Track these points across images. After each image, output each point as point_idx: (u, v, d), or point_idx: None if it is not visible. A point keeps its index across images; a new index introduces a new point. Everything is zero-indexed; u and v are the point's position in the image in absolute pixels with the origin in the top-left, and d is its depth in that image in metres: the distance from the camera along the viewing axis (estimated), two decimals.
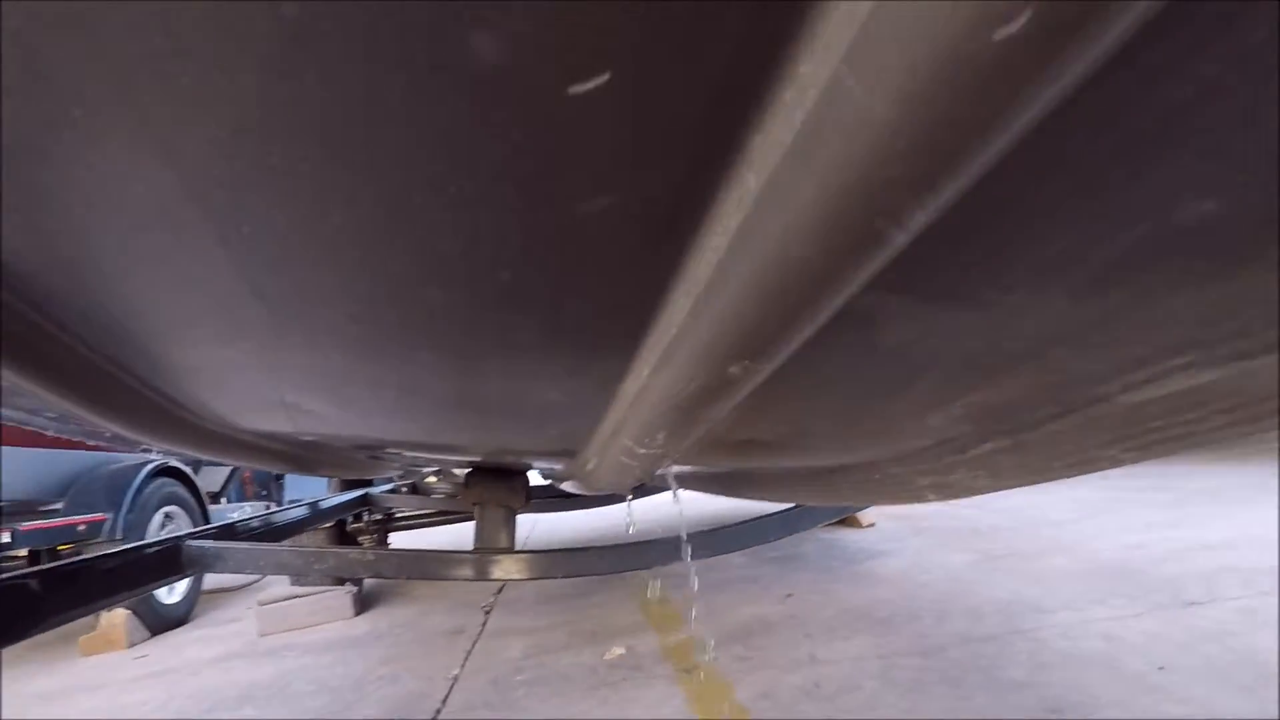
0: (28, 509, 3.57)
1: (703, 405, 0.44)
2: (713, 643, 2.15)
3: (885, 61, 0.19)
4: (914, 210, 0.24)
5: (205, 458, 0.99)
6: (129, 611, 3.24)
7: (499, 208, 0.32)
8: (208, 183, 0.35)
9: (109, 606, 2.34)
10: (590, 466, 0.83)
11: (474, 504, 1.79)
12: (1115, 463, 0.58)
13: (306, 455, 1.33)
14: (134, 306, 0.51)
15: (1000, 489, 0.71)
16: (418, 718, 1.91)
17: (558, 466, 1.11)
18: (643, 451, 0.56)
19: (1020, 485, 0.68)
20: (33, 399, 0.71)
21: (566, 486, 1.29)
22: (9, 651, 3.40)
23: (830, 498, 1.09)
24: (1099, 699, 1.50)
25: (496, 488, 1.75)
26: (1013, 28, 0.16)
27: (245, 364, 0.62)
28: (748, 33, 0.21)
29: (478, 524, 1.84)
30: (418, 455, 1.25)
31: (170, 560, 1.80)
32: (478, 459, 1.32)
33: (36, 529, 3.20)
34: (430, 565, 1.83)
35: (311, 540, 2.98)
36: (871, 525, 3.46)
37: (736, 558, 3.15)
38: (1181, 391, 0.46)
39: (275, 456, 1.22)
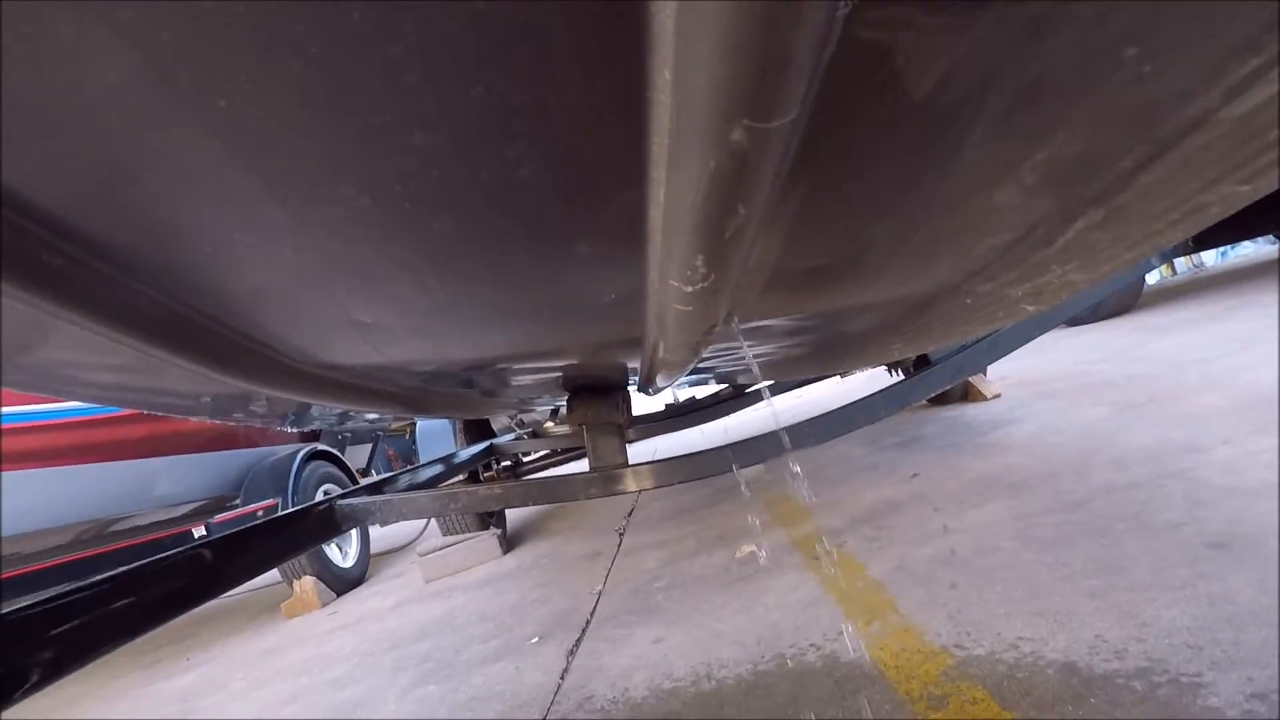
0: (217, 505, 4.13)
1: (726, 198, 0.41)
2: (841, 527, 2.14)
3: None
4: None
5: (316, 401, 1.06)
6: (315, 578, 3.67)
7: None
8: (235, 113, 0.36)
9: (279, 565, 2.67)
10: (662, 350, 0.83)
11: (580, 425, 1.85)
12: (1229, 204, 0.50)
13: (416, 396, 1.42)
14: (187, 242, 0.55)
15: (1099, 278, 0.64)
16: (570, 629, 2.05)
17: (637, 366, 1.12)
18: (691, 290, 0.55)
19: (1120, 267, 0.61)
20: (188, 378, 0.79)
21: (659, 381, 1.30)
22: (226, 622, 3.91)
23: (926, 341, 1.03)
24: (1271, 526, 1.37)
25: (598, 406, 1.80)
26: None
27: (293, 280, 0.64)
28: None
29: (589, 445, 1.90)
30: (506, 371, 1.30)
31: (327, 520, 2.03)
32: (564, 365, 1.35)
33: (225, 520, 3.71)
34: (554, 489, 1.94)
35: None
36: (997, 396, 3.29)
37: (857, 449, 3.10)
38: None
39: (387, 399, 1.31)
